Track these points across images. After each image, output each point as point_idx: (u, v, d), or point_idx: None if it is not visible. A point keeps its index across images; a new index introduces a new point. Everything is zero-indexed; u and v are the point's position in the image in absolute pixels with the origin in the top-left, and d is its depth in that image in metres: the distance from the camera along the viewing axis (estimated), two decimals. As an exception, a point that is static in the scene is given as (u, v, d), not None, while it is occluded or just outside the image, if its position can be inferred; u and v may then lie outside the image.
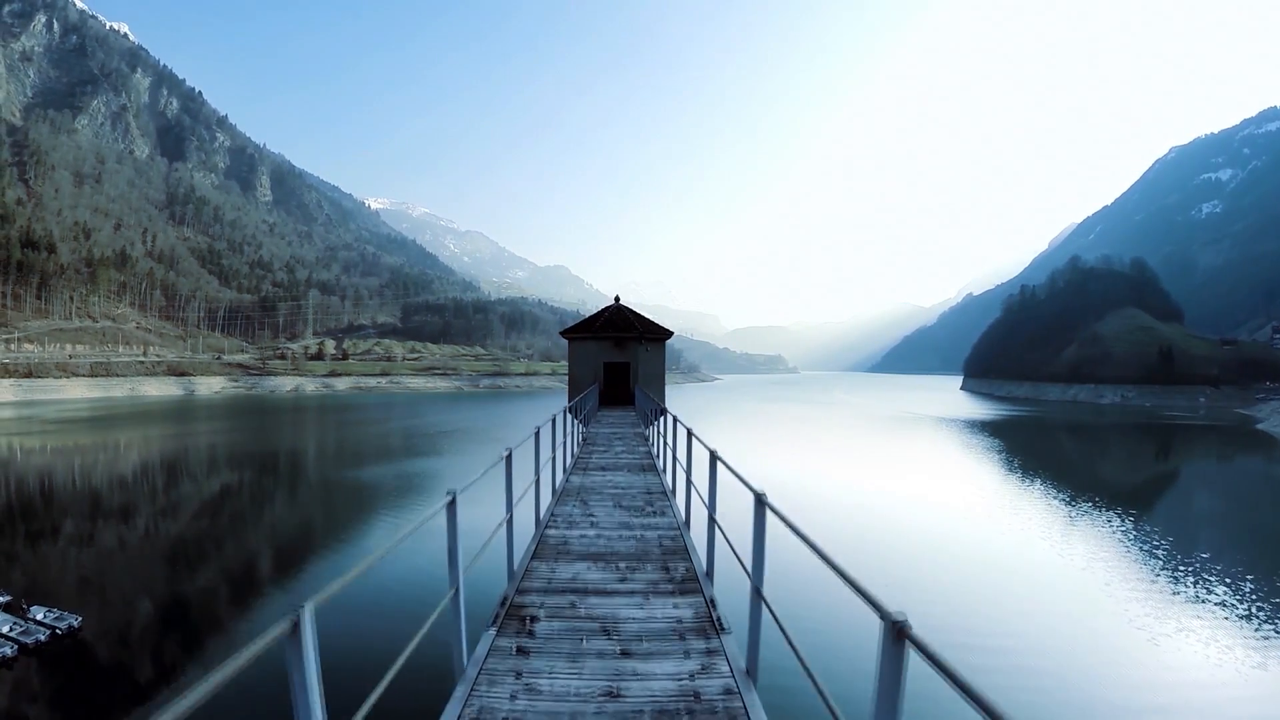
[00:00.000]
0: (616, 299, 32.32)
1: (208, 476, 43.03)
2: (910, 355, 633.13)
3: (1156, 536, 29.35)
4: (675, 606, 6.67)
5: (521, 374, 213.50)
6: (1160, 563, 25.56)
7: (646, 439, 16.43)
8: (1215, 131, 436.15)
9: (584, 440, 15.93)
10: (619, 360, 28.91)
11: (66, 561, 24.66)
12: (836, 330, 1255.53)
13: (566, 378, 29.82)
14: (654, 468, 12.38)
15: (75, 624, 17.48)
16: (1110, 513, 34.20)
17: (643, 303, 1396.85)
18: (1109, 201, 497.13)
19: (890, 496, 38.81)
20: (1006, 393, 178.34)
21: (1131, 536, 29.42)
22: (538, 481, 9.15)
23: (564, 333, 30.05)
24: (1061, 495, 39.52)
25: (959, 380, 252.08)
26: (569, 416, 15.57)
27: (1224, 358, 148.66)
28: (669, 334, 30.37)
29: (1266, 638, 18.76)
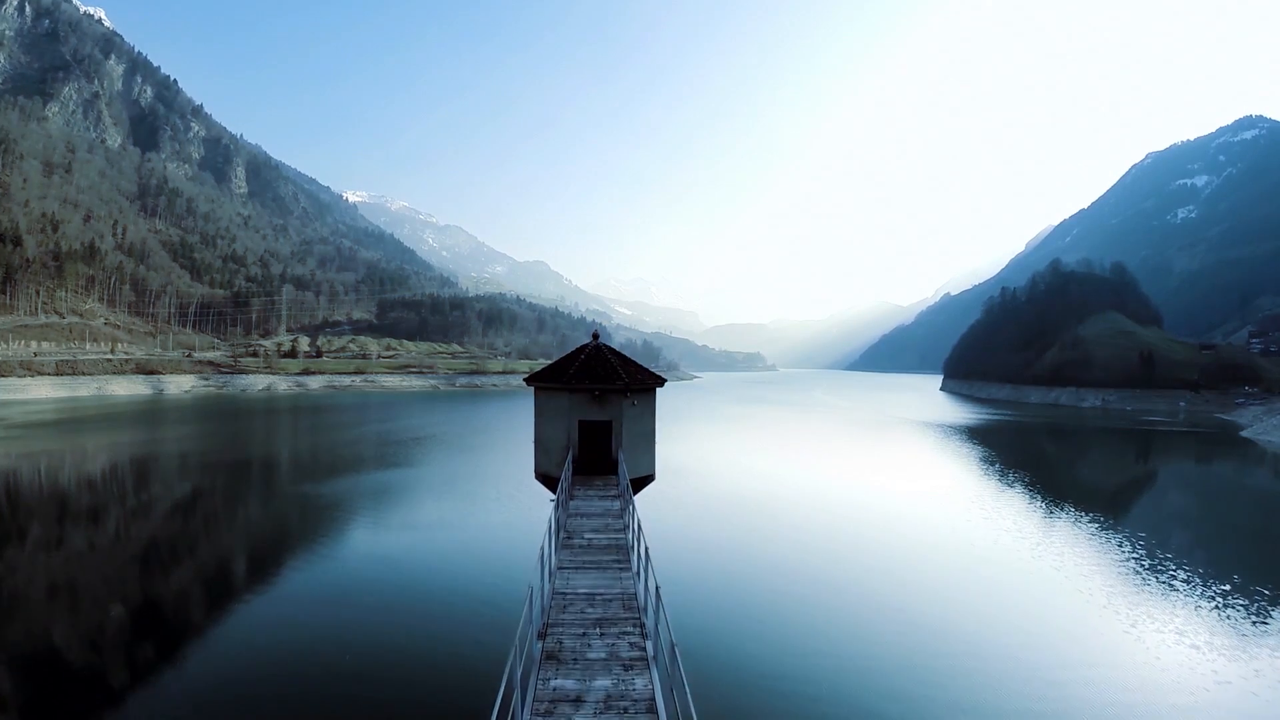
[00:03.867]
0: (595, 336, 25.61)
1: (171, 497, 40.81)
2: (888, 354, 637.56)
3: (1174, 563, 28.21)
4: None
5: (499, 372, 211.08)
6: (1181, 593, 24.33)
7: (644, 625, 9.89)
8: (1192, 138, 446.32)
9: (546, 629, 9.60)
10: (598, 419, 22.28)
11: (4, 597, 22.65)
12: (815, 328, 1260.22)
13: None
14: None
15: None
16: (1131, 539, 33.07)
17: (621, 299, 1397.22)
18: (1086, 205, 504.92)
19: (883, 504, 37.22)
20: (987, 395, 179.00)
21: (1157, 572, 28.22)
22: None
23: (529, 379, 23.60)
24: (1054, 505, 38.32)
25: (938, 380, 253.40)
26: (550, 542, 11.09)
27: (1204, 362, 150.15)
28: (661, 381, 24.01)
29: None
